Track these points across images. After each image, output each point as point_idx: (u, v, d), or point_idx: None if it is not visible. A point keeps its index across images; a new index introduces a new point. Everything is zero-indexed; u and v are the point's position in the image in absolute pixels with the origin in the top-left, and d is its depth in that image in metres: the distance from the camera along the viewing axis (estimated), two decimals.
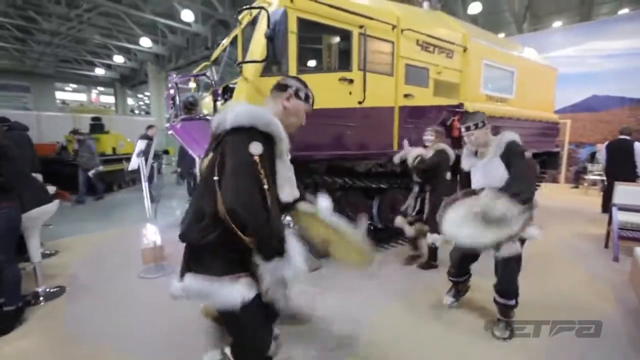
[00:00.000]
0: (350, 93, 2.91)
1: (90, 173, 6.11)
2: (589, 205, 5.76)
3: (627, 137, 4.79)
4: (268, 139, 1.04)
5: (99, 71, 18.06)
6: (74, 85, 19.95)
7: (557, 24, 9.64)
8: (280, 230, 1.03)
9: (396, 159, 2.99)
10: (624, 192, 3.57)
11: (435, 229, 2.45)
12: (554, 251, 3.48)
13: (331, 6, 2.67)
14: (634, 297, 2.39)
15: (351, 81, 2.89)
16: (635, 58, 7.30)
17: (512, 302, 1.90)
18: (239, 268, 1.05)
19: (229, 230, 0.97)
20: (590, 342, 1.85)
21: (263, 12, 2.26)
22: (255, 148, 0.99)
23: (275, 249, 1.01)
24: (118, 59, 15.69)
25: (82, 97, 20.25)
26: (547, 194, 6.71)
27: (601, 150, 5.27)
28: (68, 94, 19.75)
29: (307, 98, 1.23)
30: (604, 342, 1.86)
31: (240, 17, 2.68)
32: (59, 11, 10.36)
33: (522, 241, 1.87)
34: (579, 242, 3.81)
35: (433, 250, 2.94)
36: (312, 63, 3.06)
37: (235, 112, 1.02)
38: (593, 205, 5.66)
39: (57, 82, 18.58)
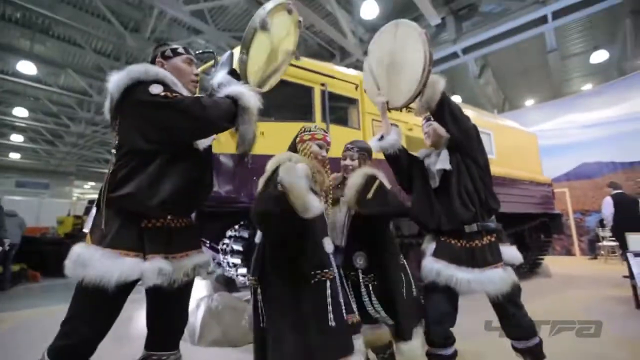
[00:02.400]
0: None
1: None
2: (612, 272, 5.14)
3: (622, 191, 4.70)
4: None
5: None
6: (92, 183, 21.34)
7: (529, 102, 10.52)
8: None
9: None
10: (636, 241, 3.22)
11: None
12: (582, 316, 2.95)
13: (294, 66, 2.95)
14: None
15: None
16: (614, 126, 7.67)
17: (537, 339, 1.52)
18: None
19: None
20: (590, 342, 1.78)
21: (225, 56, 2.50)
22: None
23: None
24: None
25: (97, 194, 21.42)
26: (565, 265, 6.12)
27: (606, 205, 5.00)
28: (85, 190, 20.97)
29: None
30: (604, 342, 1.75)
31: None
32: (87, 116, 11.84)
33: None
34: (606, 306, 3.27)
35: None
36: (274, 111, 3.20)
37: None
38: (617, 271, 5.05)
39: (76, 180, 19.96)
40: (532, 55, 8.88)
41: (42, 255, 5.80)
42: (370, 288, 1.55)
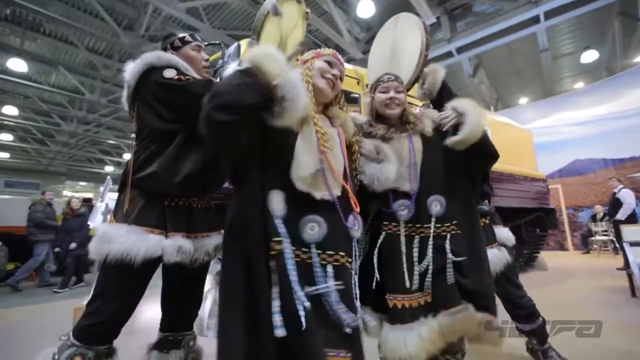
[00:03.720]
0: None
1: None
2: (606, 265, 5.28)
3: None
4: None
5: (108, 168, 19.25)
6: (84, 183, 20.99)
7: (523, 100, 10.70)
8: None
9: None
10: (632, 232, 3.31)
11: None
12: (579, 305, 3.06)
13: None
14: None
15: None
16: (605, 123, 7.86)
17: (540, 320, 1.60)
18: None
19: None
20: (590, 342, 1.80)
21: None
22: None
23: None
24: (128, 156, 16.92)
25: (89, 195, 21.10)
26: (560, 260, 6.26)
27: (628, 195, 5.44)
28: (75, 190, 20.61)
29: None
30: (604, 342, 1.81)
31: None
32: (79, 115, 11.65)
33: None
34: (604, 295, 3.39)
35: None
36: None
37: None
38: (610, 264, 5.19)
39: (68, 180, 19.61)
40: (525, 55, 9.04)
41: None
42: (448, 238, 1.21)
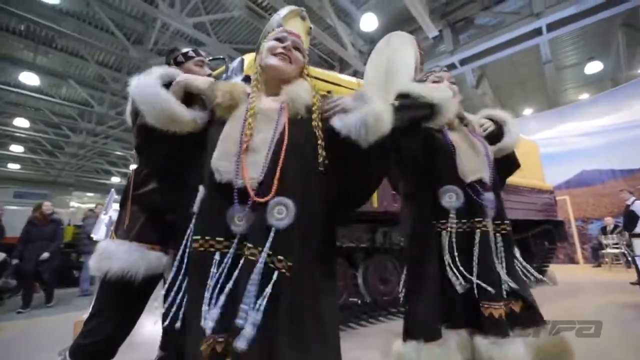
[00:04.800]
0: None
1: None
2: (619, 280, 5.13)
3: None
4: None
5: (115, 179, 19.47)
6: (91, 194, 21.21)
7: (527, 111, 10.65)
8: None
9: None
10: None
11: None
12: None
13: None
14: None
15: None
16: (612, 134, 7.78)
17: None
18: None
19: None
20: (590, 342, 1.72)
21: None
22: None
23: None
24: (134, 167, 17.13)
25: (93, 205, 21.29)
26: (570, 273, 6.10)
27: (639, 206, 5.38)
28: (83, 201, 20.82)
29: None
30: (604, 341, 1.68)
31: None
32: (88, 127, 11.87)
33: None
34: (619, 311, 3.25)
35: None
36: None
37: None
38: (623, 279, 5.04)
39: (75, 190, 19.85)
40: (528, 67, 9.06)
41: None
42: (501, 239, 1.14)
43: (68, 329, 2.53)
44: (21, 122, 11.31)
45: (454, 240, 1.09)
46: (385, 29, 7.07)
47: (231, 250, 0.80)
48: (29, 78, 8.11)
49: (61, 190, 18.58)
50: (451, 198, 1.12)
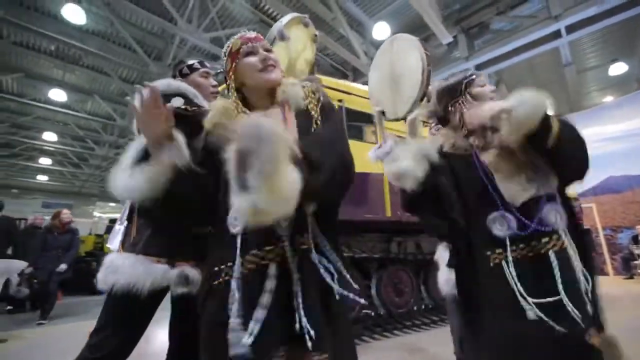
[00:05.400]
0: None
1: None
2: None
3: None
4: None
5: None
6: (113, 204, 21.95)
7: None
8: None
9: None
10: None
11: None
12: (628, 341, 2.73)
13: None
14: None
15: None
16: (638, 137, 7.37)
17: None
18: None
19: None
20: None
21: None
22: None
23: None
24: None
25: (117, 215, 21.97)
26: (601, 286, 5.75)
27: None
28: (105, 210, 21.56)
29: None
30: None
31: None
32: (111, 140, 12.38)
33: None
34: None
35: None
36: None
37: None
38: None
39: (99, 200, 20.60)
40: (547, 70, 8.81)
41: None
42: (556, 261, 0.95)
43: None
44: (50, 136, 11.93)
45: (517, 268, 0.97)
46: None
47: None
48: (57, 94, 8.57)
49: (85, 201, 19.33)
50: (502, 225, 0.99)
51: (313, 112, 0.93)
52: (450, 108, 1.20)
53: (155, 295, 1.07)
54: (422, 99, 1.48)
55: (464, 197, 1.07)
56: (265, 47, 0.98)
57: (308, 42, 1.58)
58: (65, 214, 4.88)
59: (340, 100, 3.11)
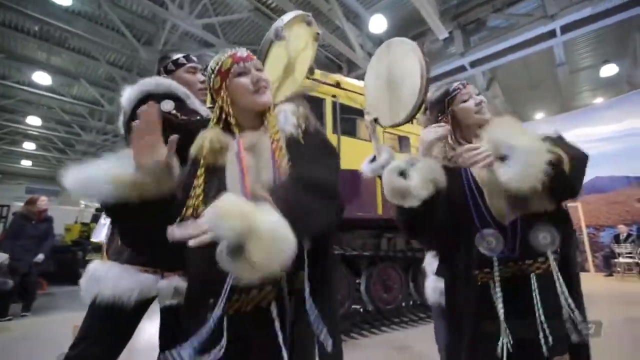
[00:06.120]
0: None
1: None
2: (631, 290, 4.97)
3: None
4: None
5: None
6: None
7: (539, 115, 10.41)
8: None
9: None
10: None
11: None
12: (609, 341, 2.83)
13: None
14: None
15: None
16: (627, 139, 7.58)
17: None
18: None
19: None
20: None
21: None
22: None
23: None
24: None
25: None
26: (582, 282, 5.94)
27: None
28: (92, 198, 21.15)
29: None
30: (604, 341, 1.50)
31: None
32: (98, 126, 12.05)
33: None
34: (636, 328, 3.12)
35: None
36: None
37: None
38: (636, 289, 4.89)
39: None
40: (541, 69, 8.87)
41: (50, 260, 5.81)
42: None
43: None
44: (33, 120, 11.54)
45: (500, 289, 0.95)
46: (395, 30, 6.99)
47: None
48: (41, 77, 8.26)
49: None
50: (490, 244, 0.96)
51: (303, 142, 0.89)
52: (440, 118, 1.18)
53: (142, 305, 1.04)
54: (420, 106, 1.45)
55: (452, 212, 1.04)
56: (257, 66, 0.94)
57: (310, 41, 1.52)
58: (43, 201, 4.62)
59: (334, 96, 3.07)
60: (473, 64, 7.66)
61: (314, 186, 0.76)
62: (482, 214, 1.00)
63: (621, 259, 6.69)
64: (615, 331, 3.06)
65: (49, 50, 7.73)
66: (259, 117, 0.94)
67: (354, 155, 3.16)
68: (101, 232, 2.78)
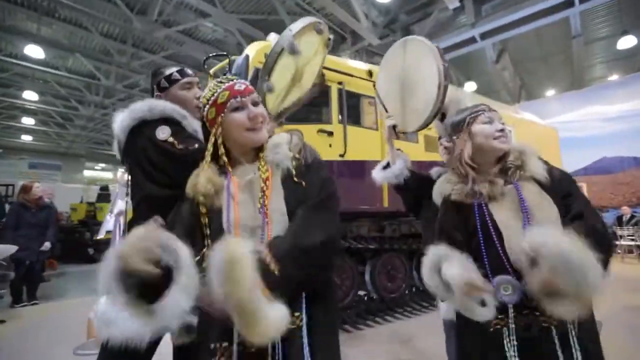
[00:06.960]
0: (330, 145, 2.85)
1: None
2: (632, 273, 5.04)
3: None
4: None
5: None
6: (103, 165, 21.58)
7: (550, 92, 10.06)
8: None
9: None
10: None
11: None
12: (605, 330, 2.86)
13: None
14: None
15: (331, 133, 2.86)
16: (638, 119, 7.32)
17: None
18: None
19: None
20: None
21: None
22: None
23: None
24: None
25: (108, 175, 21.72)
26: None
27: None
28: (96, 172, 21.27)
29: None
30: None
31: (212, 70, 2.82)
32: (96, 100, 11.80)
33: None
34: (633, 317, 3.16)
35: None
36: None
37: None
38: (636, 272, 4.96)
39: (87, 161, 20.20)
40: (554, 40, 8.42)
41: (58, 242, 5.89)
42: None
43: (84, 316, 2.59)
44: (30, 95, 11.29)
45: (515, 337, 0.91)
46: None
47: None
48: (34, 51, 7.94)
49: (73, 161, 18.92)
50: (507, 291, 0.90)
51: (303, 177, 0.88)
52: (454, 137, 1.10)
53: (154, 342, 1.03)
54: (435, 116, 1.36)
55: (469, 250, 0.98)
56: (254, 100, 0.91)
57: (320, 48, 1.40)
58: (37, 187, 4.39)
59: (340, 83, 2.93)
60: (483, 36, 7.26)
61: (311, 253, 0.78)
62: (499, 258, 0.95)
63: (622, 242, 6.70)
64: (619, 312, 3.12)
65: (38, 21, 7.35)
66: (254, 151, 0.94)
67: (360, 144, 3.07)
68: (105, 229, 2.78)
